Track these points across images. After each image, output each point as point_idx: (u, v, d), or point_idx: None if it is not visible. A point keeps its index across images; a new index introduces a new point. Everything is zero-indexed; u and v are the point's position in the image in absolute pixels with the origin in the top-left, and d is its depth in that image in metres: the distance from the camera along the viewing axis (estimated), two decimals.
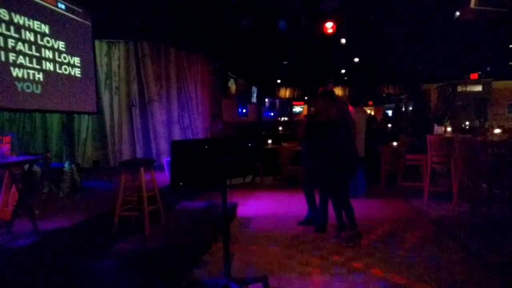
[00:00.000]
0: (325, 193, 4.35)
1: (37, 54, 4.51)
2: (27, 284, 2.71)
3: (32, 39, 4.43)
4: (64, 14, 5.02)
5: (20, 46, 4.25)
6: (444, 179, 5.97)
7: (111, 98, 7.22)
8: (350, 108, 5.96)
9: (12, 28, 4.14)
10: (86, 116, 6.87)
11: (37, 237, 3.00)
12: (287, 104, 21.27)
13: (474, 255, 3.52)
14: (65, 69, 5.00)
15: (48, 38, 4.70)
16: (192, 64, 8.06)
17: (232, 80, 10.98)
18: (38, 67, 4.52)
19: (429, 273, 3.15)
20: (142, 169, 3.86)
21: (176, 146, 2.47)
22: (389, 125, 13.00)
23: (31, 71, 4.39)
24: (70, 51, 5.10)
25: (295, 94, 17.70)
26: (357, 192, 5.99)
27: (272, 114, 19.30)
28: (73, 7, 5.17)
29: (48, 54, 4.70)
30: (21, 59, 4.25)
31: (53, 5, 4.81)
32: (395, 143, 7.44)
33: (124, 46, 7.25)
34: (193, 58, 8.09)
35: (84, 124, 7.08)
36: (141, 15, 6.16)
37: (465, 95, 14.40)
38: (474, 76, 14.05)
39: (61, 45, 4.92)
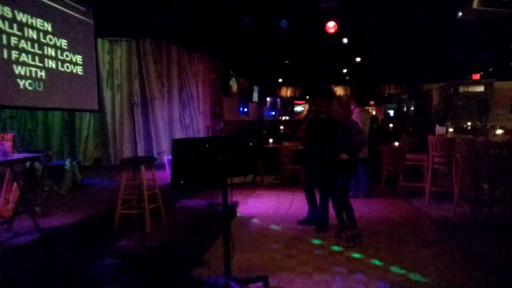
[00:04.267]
0: (325, 193, 4.35)
1: (40, 52, 4.51)
2: (27, 281, 2.72)
3: (34, 37, 4.43)
4: (67, 12, 5.02)
5: (22, 43, 4.25)
6: (446, 180, 5.96)
7: (113, 96, 7.23)
8: (354, 107, 5.96)
9: (15, 26, 4.14)
10: (88, 114, 6.88)
11: (38, 235, 3.00)
12: (288, 103, 21.25)
13: (475, 256, 3.52)
14: (67, 67, 5.01)
15: (51, 36, 4.71)
16: (193, 63, 8.06)
17: (233, 79, 10.96)
18: (41, 65, 4.52)
19: (430, 273, 3.15)
20: (143, 167, 3.86)
21: (177, 144, 2.47)
22: (391, 125, 12.97)
23: (33, 69, 4.40)
24: (73, 49, 5.11)
25: (297, 93, 17.68)
26: (357, 192, 5.99)
27: (273, 113, 19.30)
28: (76, 5, 5.17)
29: (51, 52, 4.70)
30: (23, 57, 4.25)
31: (56, 3, 4.81)
32: (396, 143, 7.44)
33: (126, 44, 7.25)
34: (195, 57, 8.09)
35: (86, 122, 7.10)
36: (143, 14, 6.16)
37: (466, 95, 14.36)
38: (476, 76, 14.01)
39: (63, 43, 4.93)
